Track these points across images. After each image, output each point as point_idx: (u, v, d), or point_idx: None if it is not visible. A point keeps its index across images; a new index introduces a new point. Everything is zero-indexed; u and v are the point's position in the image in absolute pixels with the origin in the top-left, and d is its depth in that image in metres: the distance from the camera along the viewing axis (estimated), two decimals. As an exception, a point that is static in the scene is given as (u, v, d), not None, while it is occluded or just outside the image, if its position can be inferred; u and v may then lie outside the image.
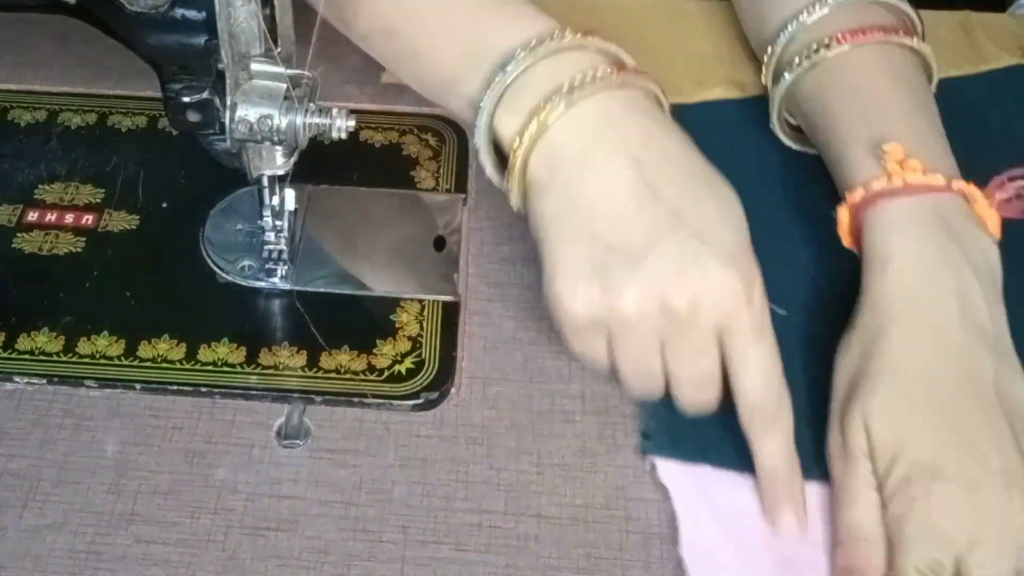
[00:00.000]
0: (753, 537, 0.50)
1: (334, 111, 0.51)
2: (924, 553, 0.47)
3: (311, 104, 0.50)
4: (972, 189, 0.55)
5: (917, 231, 0.53)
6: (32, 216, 0.60)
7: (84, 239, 0.59)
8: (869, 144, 0.56)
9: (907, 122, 0.57)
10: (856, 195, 0.55)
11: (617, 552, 0.49)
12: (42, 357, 0.54)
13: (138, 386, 0.54)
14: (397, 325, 0.57)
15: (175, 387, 0.54)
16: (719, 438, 0.52)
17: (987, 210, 0.54)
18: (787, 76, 0.61)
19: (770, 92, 0.64)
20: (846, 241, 0.57)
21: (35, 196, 0.61)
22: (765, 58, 0.64)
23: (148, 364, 0.54)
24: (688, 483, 0.52)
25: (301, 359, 0.55)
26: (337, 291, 0.58)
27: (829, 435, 0.52)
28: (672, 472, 0.52)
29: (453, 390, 0.55)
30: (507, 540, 0.50)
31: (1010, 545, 0.46)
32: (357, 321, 0.57)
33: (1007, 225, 0.55)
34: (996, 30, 0.74)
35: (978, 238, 0.53)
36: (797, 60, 0.61)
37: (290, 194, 0.56)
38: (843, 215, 0.56)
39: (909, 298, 0.52)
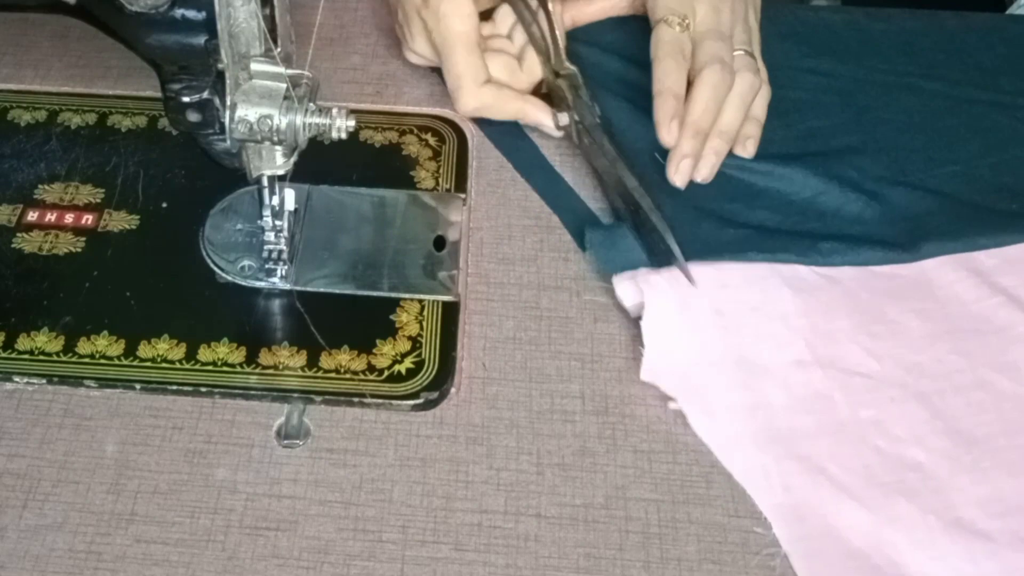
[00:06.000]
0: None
1: (334, 111, 0.51)
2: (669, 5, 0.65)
3: (311, 104, 0.50)
4: None
5: None
6: (32, 216, 0.60)
7: (84, 239, 0.59)
8: None
9: None
10: None
11: (617, 552, 0.49)
12: (42, 357, 0.54)
13: (138, 386, 0.54)
14: (397, 325, 0.57)
15: (175, 387, 0.54)
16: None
17: None
18: None
19: None
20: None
21: (35, 196, 0.61)
22: None
23: (148, 364, 0.54)
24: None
25: (301, 359, 0.55)
26: (337, 291, 0.58)
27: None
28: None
29: (453, 390, 0.55)
30: (507, 540, 0.50)
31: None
32: (357, 321, 0.57)
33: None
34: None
35: None
36: None
37: (290, 194, 0.56)
38: None
39: None
